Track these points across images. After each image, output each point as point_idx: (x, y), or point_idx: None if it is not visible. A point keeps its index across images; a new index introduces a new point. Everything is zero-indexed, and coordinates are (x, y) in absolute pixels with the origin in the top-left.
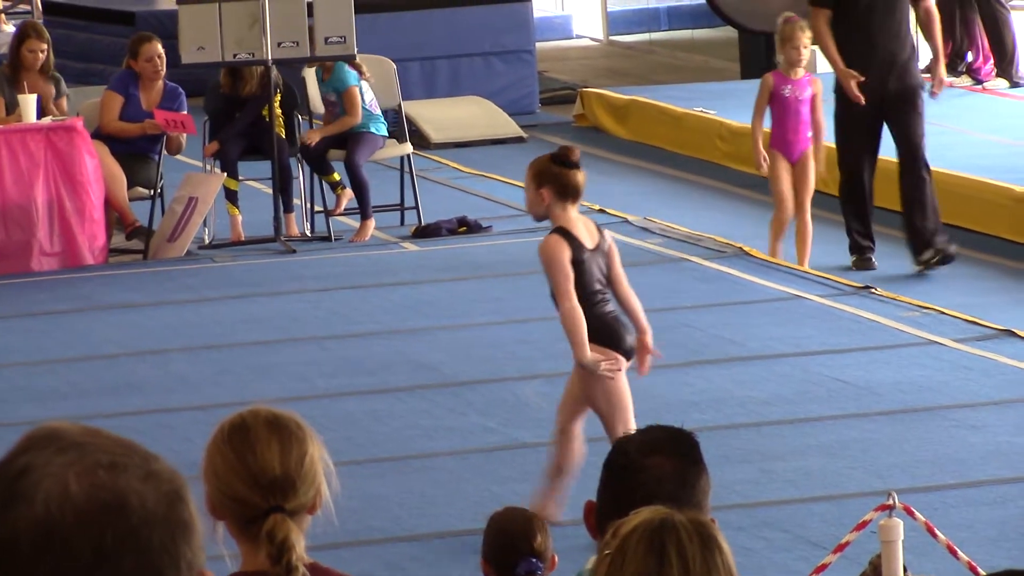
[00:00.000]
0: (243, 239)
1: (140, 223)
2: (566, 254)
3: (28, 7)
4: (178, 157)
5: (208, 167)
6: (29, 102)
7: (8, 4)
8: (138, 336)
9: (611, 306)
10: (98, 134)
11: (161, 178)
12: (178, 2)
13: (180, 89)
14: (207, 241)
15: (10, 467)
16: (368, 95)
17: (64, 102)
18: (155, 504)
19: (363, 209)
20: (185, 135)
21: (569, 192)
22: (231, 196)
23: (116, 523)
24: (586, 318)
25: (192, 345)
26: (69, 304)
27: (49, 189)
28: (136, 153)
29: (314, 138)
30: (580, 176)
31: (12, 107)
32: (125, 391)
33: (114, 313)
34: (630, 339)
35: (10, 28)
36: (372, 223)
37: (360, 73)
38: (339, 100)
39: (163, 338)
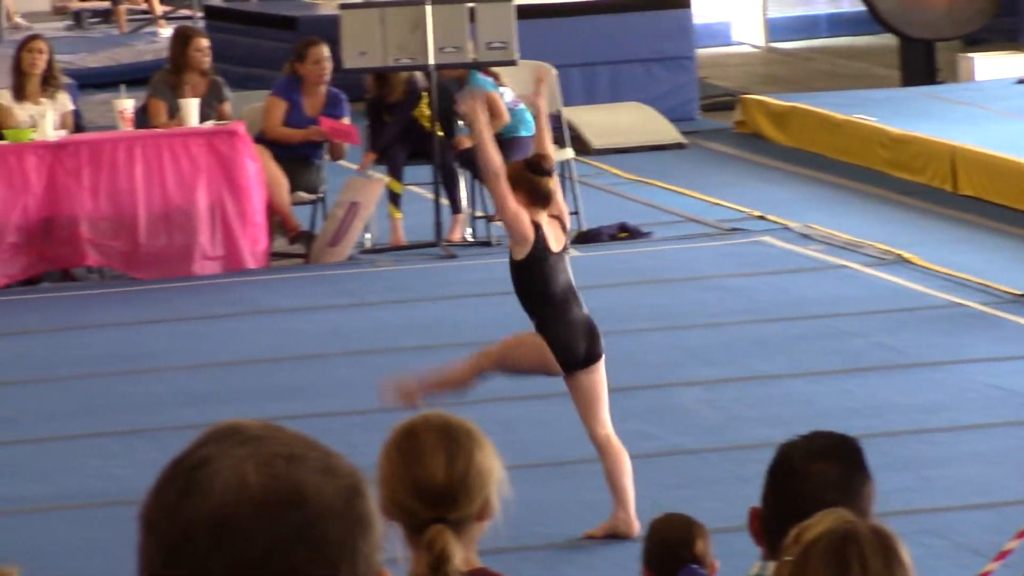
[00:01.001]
0: (404, 243)
1: (302, 228)
2: (527, 218)
3: (189, 12)
4: (340, 162)
5: (369, 172)
6: (191, 106)
7: (169, 9)
8: (298, 340)
9: (582, 310)
10: (261, 138)
11: (323, 182)
12: (341, 7)
13: (342, 95)
14: (368, 246)
15: (189, 458)
16: (508, 95)
17: (226, 106)
18: (332, 498)
19: None
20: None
21: (539, 197)
22: (395, 199)
23: (292, 515)
24: (557, 322)
25: (352, 349)
26: (230, 308)
27: (211, 193)
28: (298, 158)
29: (464, 143)
30: (551, 183)
31: (174, 111)
32: (285, 395)
33: (275, 317)
34: (599, 344)
35: (168, 32)
36: None
37: (495, 79)
38: None
39: (324, 342)
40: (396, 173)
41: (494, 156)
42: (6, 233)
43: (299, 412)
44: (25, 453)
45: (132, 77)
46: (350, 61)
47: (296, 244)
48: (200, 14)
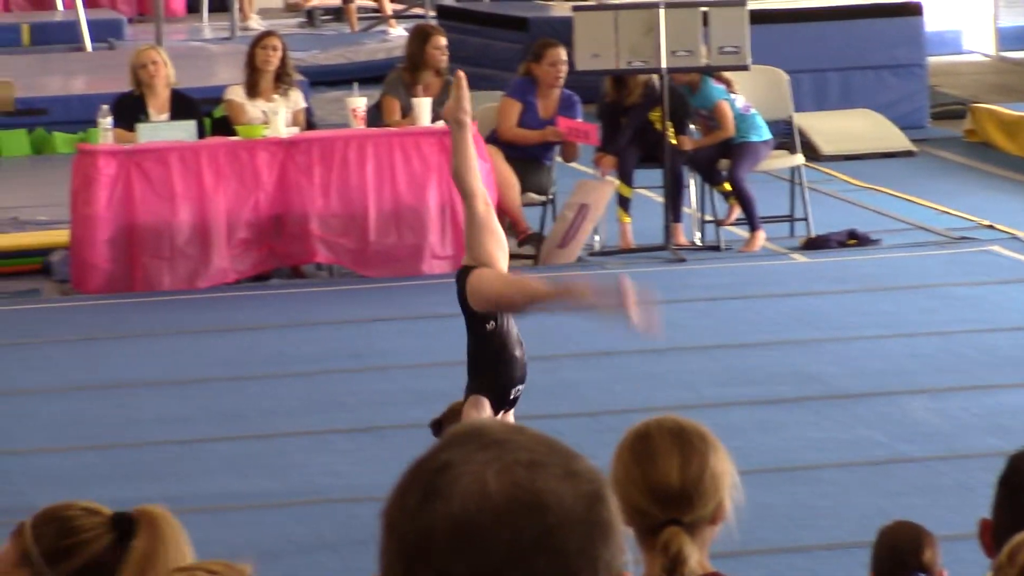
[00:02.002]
0: (633, 246)
1: (532, 229)
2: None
3: (421, 11)
4: (570, 164)
5: (600, 174)
6: (424, 105)
7: (400, 8)
8: (526, 342)
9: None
10: (492, 139)
11: (553, 184)
12: (575, 9)
13: (576, 97)
14: (597, 248)
15: (431, 462)
16: (739, 101)
17: None
18: (573, 504)
19: (751, 221)
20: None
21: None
22: (624, 203)
23: (533, 522)
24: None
25: (582, 351)
26: (458, 308)
27: (441, 193)
28: (529, 159)
29: (687, 145)
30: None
31: (407, 110)
32: None
33: None
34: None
35: (398, 31)
36: (762, 234)
37: (728, 86)
38: (710, 115)
39: (552, 344)
40: (626, 177)
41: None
42: (237, 229)
43: (528, 413)
44: (253, 449)
45: (363, 75)
46: (582, 63)
47: (525, 245)
48: (432, 13)
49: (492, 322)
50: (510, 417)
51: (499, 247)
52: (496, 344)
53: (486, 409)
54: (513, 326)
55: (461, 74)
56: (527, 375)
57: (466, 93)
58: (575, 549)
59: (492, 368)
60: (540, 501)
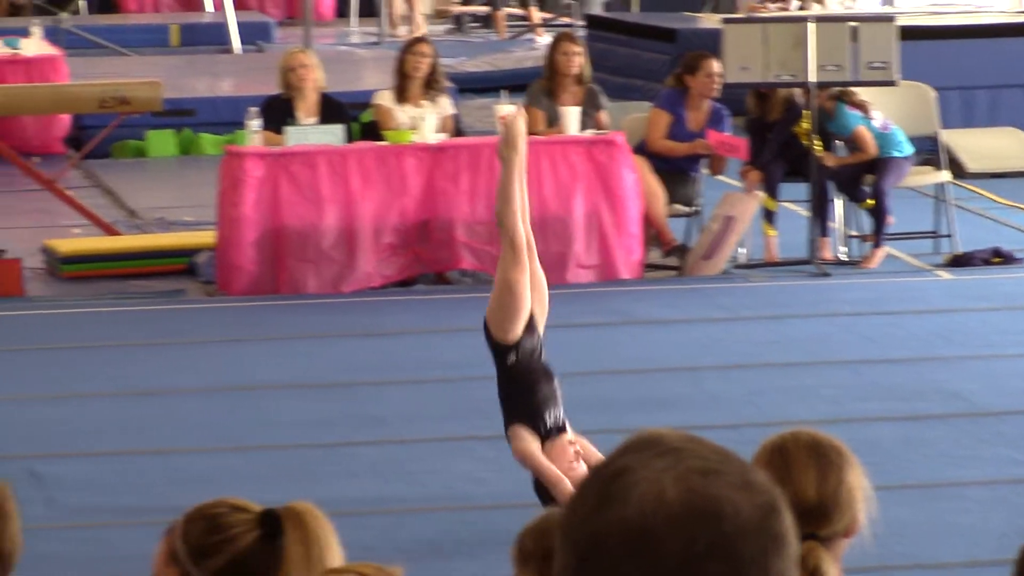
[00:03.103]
0: (778, 260)
1: (677, 241)
2: None
3: (569, 20)
4: (717, 177)
5: (746, 188)
6: (571, 114)
7: (549, 17)
8: (670, 352)
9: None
10: (640, 149)
11: (699, 196)
12: (724, 21)
13: (725, 110)
14: (742, 261)
15: (609, 467)
16: (878, 120)
17: (603, 115)
18: (749, 514)
19: (877, 237)
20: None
21: None
22: (769, 216)
23: (709, 531)
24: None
25: (724, 364)
26: (603, 317)
27: (588, 202)
28: (676, 170)
29: (830, 161)
30: None
31: (553, 119)
32: (656, 406)
33: (647, 328)
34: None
35: (546, 39)
36: (883, 252)
37: (863, 110)
38: (849, 140)
39: (695, 355)
40: (771, 190)
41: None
42: (383, 234)
43: (670, 424)
44: (393, 454)
45: (510, 83)
46: (732, 75)
47: (670, 257)
48: (581, 23)
49: (513, 356)
50: (565, 439)
51: (515, 309)
52: (518, 376)
53: (527, 438)
54: (537, 358)
55: (512, 112)
56: (559, 400)
57: (517, 130)
58: (748, 559)
59: (517, 399)
60: (716, 509)
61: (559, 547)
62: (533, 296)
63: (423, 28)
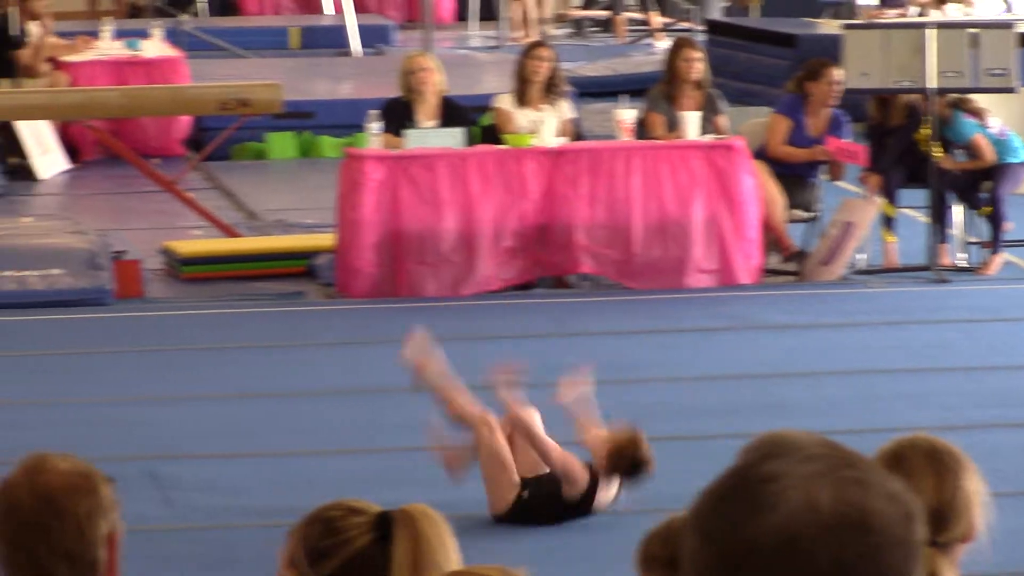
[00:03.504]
0: (896, 266)
1: (796, 246)
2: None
3: (688, 25)
4: (836, 182)
5: (865, 193)
6: (691, 119)
7: (669, 22)
8: (789, 357)
9: None
10: (759, 154)
11: (818, 201)
12: (846, 27)
13: (844, 116)
14: (861, 266)
15: (754, 473)
16: (995, 127)
17: (722, 120)
18: (895, 524)
19: (994, 243)
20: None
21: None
22: (888, 222)
23: (859, 541)
24: None
25: (842, 369)
26: (722, 322)
27: (707, 206)
28: (795, 176)
29: (947, 164)
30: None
31: (672, 124)
32: (774, 412)
33: (766, 333)
34: None
35: (664, 44)
36: (1001, 258)
37: (979, 118)
38: (967, 148)
39: (814, 361)
40: (890, 196)
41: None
42: (502, 237)
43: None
44: None
45: (629, 87)
46: (852, 81)
47: (789, 262)
48: (700, 28)
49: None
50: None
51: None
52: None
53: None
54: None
55: (500, 384)
56: None
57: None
58: (894, 568)
59: None
60: (867, 520)
61: (698, 552)
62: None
63: (536, 32)
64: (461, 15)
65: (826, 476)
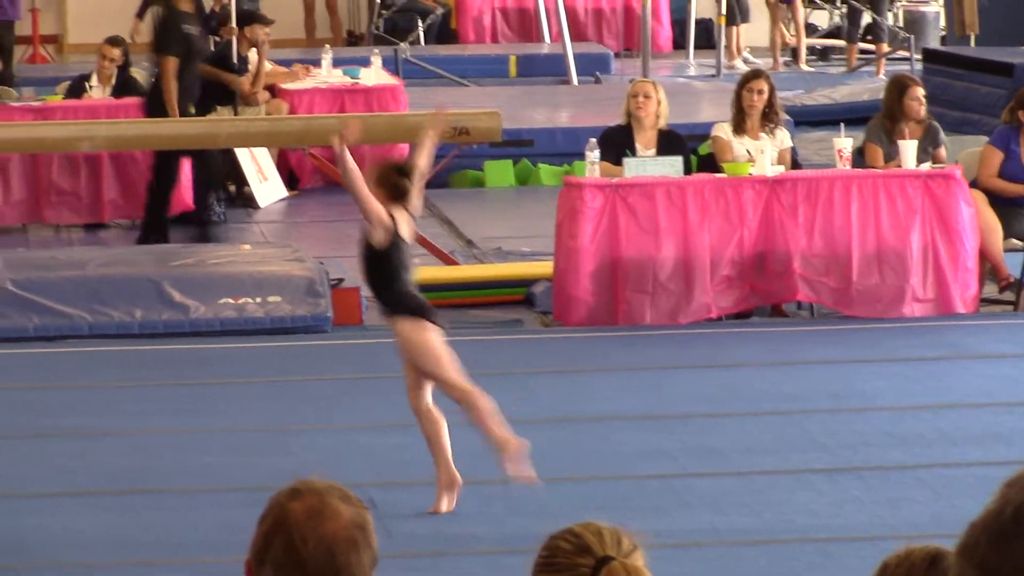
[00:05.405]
0: None
1: (1013, 276)
2: (385, 217)
3: (907, 54)
4: None
5: None
6: (909, 148)
7: (887, 51)
8: (1006, 386)
9: (414, 288)
10: (976, 183)
11: None
12: None
13: None
14: None
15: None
16: None
17: (941, 151)
18: None
19: None
20: None
21: (399, 194)
22: None
23: None
24: (396, 295)
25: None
26: (938, 351)
27: (924, 235)
28: (1013, 205)
29: None
30: (407, 183)
31: (890, 157)
32: (990, 441)
33: (983, 363)
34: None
35: (882, 75)
36: None
37: None
38: None
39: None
40: None
41: (351, 165)
42: (720, 266)
43: (1003, 459)
44: (731, 485)
45: (847, 116)
46: None
47: (1006, 292)
48: (918, 56)
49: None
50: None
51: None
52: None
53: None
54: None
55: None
56: None
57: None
58: None
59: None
60: None
61: None
62: None
63: (739, 60)
64: (679, 43)
65: None
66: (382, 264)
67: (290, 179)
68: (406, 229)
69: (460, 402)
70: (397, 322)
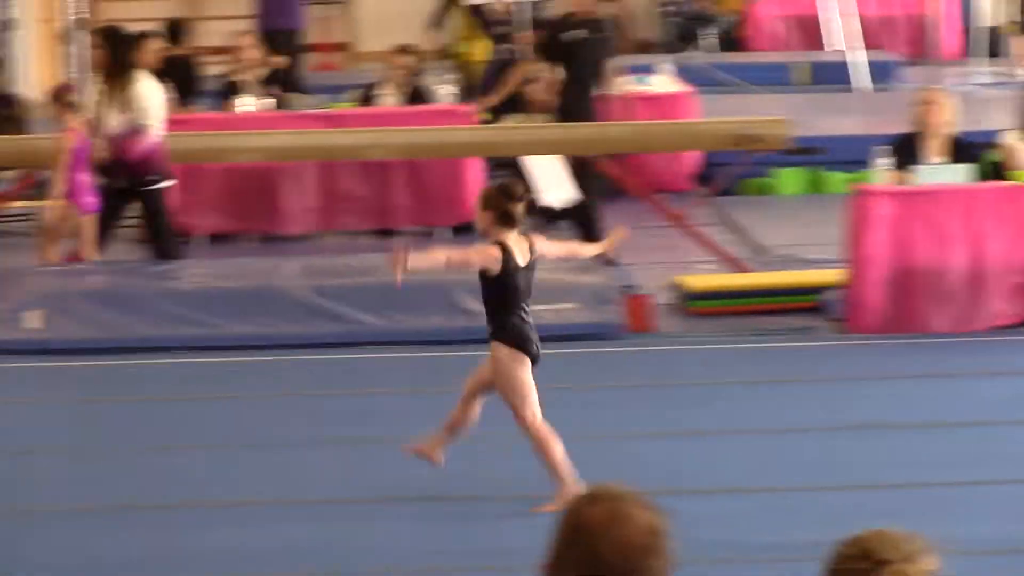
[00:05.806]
0: None
1: None
2: (494, 253)
3: None
4: None
5: None
6: None
7: None
8: None
9: (528, 318)
10: None
11: None
12: None
13: None
14: None
15: None
16: None
17: None
18: None
19: None
20: None
21: (509, 220)
22: None
23: None
24: (503, 322)
25: None
26: None
27: None
28: None
29: None
30: (520, 207)
31: None
32: None
33: None
34: (536, 345)
35: None
36: None
37: None
38: None
39: None
40: None
41: (436, 259)
42: (1012, 273)
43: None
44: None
45: None
46: None
47: None
48: None
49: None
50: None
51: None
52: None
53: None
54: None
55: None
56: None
57: None
58: None
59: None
60: None
61: None
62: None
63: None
64: (969, 50)
65: None
66: (494, 290)
67: None
68: (519, 256)
69: (531, 439)
70: (497, 348)
